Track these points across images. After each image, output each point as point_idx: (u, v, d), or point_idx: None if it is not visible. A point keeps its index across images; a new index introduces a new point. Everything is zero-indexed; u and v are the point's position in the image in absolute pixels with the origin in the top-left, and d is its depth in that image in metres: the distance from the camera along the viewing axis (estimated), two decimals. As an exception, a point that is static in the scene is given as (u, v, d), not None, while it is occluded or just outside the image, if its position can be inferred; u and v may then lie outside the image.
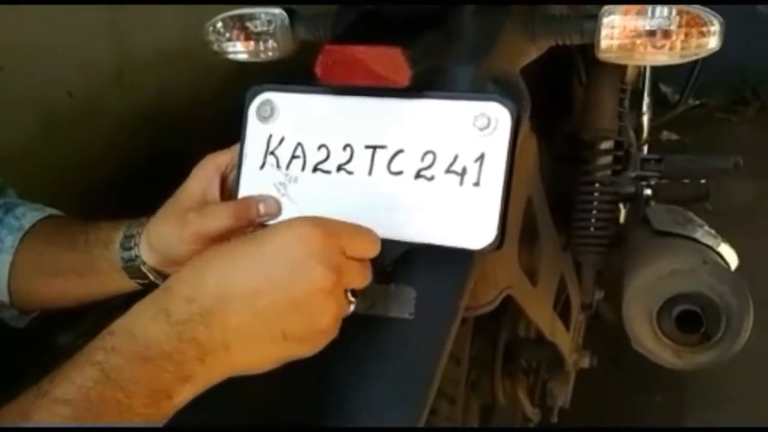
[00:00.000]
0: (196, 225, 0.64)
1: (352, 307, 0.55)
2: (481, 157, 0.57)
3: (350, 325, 0.55)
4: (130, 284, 0.71)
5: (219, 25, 0.83)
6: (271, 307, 0.51)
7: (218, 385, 0.52)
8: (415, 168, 0.59)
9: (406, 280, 0.62)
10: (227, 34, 0.83)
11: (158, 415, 0.48)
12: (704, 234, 0.97)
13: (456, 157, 0.57)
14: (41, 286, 0.74)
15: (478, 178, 0.57)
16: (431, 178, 0.58)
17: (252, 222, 0.63)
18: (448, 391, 0.87)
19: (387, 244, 0.58)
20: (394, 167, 0.59)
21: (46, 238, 0.75)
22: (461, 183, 0.57)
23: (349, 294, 0.54)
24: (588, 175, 1.08)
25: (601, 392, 1.54)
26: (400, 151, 0.59)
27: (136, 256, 0.69)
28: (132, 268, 0.69)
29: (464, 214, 0.57)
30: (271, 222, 0.63)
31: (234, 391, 0.54)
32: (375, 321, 0.63)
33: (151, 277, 0.69)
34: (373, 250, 0.56)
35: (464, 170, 0.57)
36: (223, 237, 0.64)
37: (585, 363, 1.32)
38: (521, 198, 0.80)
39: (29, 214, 0.76)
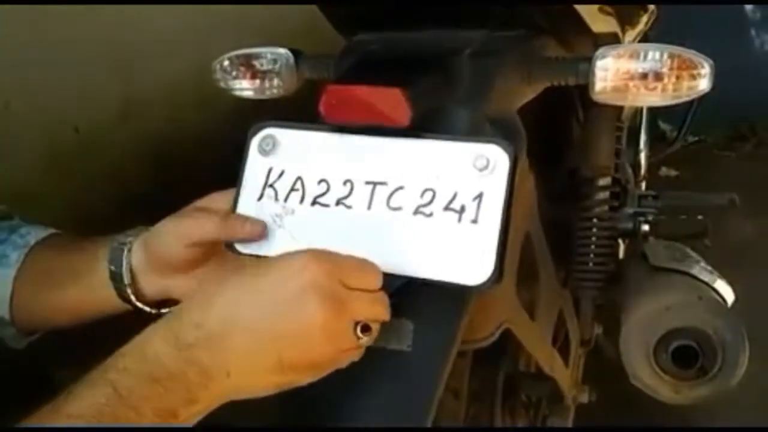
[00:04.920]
0: (189, 221, 0.66)
1: (363, 341, 0.56)
2: (480, 196, 0.58)
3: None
4: (114, 296, 0.72)
5: (226, 63, 0.86)
6: (270, 336, 0.53)
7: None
8: (414, 204, 0.60)
9: (405, 313, 0.63)
10: (234, 72, 0.86)
11: None
12: (701, 270, 0.98)
13: (455, 195, 0.59)
14: (41, 299, 0.75)
15: (476, 215, 0.58)
16: (430, 215, 0.59)
17: (234, 236, 0.65)
18: (447, 425, 0.87)
19: (384, 277, 0.59)
20: (393, 203, 0.61)
21: (50, 250, 0.76)
22: (459, 220, 0.58)
23: (358, 328, 0.55)
24: (586, 212, 1.09)
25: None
26: (400, 187, 0.61)
27: (129, 242, 0.70)
28: (115, 255, 0.70)
29: (462, 250, 0.58)
30: (261, 250, 0.64)
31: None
32: (373, 352, 0.64)
33: (125, 276, 0.70)
34: (374, 282, 0.57)
35: (462, 208, 0.58)
36: (216, 249, 0.67)
37: (584, 398, 1.32)
38: (519, 234, 0.81)
39: (34, 232, 0.78)
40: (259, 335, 0.53)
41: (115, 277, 0.70)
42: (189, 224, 0.66)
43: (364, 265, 0.58)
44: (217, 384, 0.52)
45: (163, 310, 0.73)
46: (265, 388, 0.55)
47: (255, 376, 0.54)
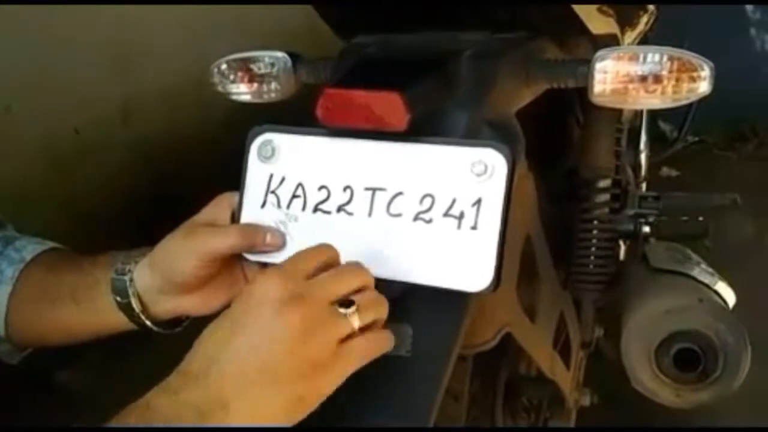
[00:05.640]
0: (203, 236, 0.65)
1: (353, 320, 0.54)
2: (478, 202, 0.58)
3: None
4: (123, 320, 0.70)
5: (223, 66, 0.85)
6: (255, 358, 0.52)
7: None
8: (414, 211, 0.60)
9: (404, 318, 0.62)
10: (231, 76, 0.85)
11: None
12: (701, 272, 0.98)
13: (454, 201, 0.59)
14: (38, 317, 0.74)
15: (476, 222, 0.58)
16: (429, 221, 0.59)
17: (255, 247, 0.65)
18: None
19: (385, 283, 0.59)
20: (393, 209, 0.61)
21: (47, 268, 0.75)
22: (459, 226, 0.58)
23: (338, 307, 0.55)
24: (586, 213, 1.09)
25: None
26: (399, 193, 0.61)
27: (129, 270, 0.68)
28: (119, 286, 0.68)
29: (462, 257, 0.58)
30: (268, 258, 0.65)
31: None
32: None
33: (134, 304, 0.68)
34: (326, 252, 0.58)
35: (462, 214, 0.58)
36: (225, 261, 0.66)
37: (585, 401, 1.31)
38: (520, 237, 0.81)
39: (30, 247, 0.76)
40: (244, 360, 0.52)
41: (124, 307, 0.69)
42: (204, 239, 0.65)
43: (314, 246, 0.59)
44: (218, 419, 0.51)
45: (177, 329, 0.73)
46: (273, 413, 0.53)
47: (258, 402, 0.53)
